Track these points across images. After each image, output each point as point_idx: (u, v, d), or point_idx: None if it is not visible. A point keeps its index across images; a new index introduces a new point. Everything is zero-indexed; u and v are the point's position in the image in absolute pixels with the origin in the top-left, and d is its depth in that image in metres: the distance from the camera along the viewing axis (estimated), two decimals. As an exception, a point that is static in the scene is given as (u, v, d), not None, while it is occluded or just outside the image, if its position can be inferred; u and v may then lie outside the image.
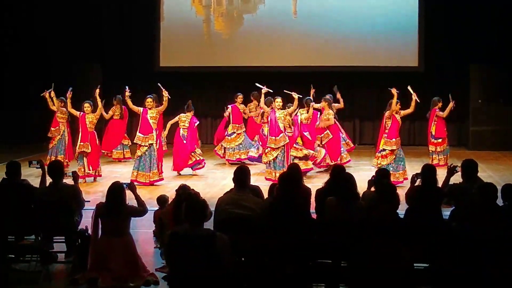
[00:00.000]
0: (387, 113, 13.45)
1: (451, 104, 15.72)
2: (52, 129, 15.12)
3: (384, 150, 13.40)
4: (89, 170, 13.79)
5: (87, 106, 14.12)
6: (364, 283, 5.97)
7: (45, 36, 19.54)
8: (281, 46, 19.61)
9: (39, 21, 19.63)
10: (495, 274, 6.24)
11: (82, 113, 14.00)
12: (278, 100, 13.98)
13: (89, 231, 7.86)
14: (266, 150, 13.90)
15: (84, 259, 7.52)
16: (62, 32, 19.49)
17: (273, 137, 13.71)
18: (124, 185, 7.54)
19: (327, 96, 15.18)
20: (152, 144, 13.52)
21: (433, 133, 15.78)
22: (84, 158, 13.75)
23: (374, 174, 8.36)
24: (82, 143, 13.78)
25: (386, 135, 13.40)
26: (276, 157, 13.66)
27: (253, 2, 19.85)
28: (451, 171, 8.25)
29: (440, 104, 15.70)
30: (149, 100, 13.83)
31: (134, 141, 13.78)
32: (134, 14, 20.18)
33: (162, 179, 13.64)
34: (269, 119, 14.02)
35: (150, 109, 13.68)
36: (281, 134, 13.70)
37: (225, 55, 19.93)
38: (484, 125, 18.96)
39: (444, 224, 7.18)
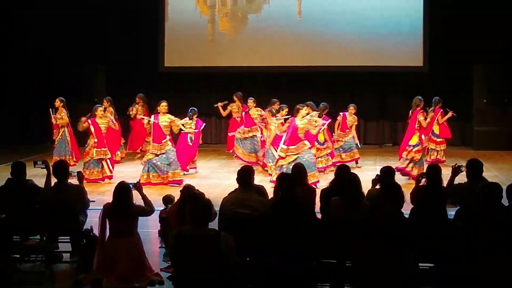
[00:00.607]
0: (419, 116, 13.85)
1: (450, 114, 15.78)
2: (55, 131, 15.06)
3: (418, 145, 13.83)
4: (110, 172, 13.79)
5: (101, 109, 14.11)
6: (368, 283, 5.97)
7: (49, 38, 19.57)
8: (286, 46, 19.60)
9: (42, 23, 19.66)
10: (499, 274, 6.24)
11: (91, 119, 13.91)
12: (305, 108, 13.41)
13: (94, 231, 7.87)
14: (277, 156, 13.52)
15: (89, 259, 7.52)
16: (66, 34, 19.52)
17: (285, 146, 13.21)
18: (131, 185, 7.54)
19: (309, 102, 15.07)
20: (169, 148, 13.51)
21: (437, 132, 15.78)
22: (103, 162, 13.75)
23: (378, 173, 8.33)
24: (99, 149, 13.74)
25: (419, 133, 13.90)
26: (295, 160, 12.97)
27: (258, 3, 19.85)
28: (456, 171, 8.24)
29: (440, 104, 15.69)
30: (164, 104, 13.66)
31: (150, 151, 13.62)
32: (139, 15, 20.20)
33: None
34: (288, 127, 13.47)
35: (163, 114, 13.60)
36: (300, 143, 13.20)
37: (230, 55, 19.93)
38: (489, 125, 18.92)
39: (449, 224, 7.18)
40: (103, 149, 13.76)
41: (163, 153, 13.50)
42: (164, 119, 13.60)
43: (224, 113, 17.14)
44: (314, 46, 19.47)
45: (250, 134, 15.72)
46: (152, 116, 13.67)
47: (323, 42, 19.43)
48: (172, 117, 13.81)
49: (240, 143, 15.84)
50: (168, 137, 13.62)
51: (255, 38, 19.81)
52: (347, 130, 15.60)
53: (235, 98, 16.87)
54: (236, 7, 19.98)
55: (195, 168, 15.24)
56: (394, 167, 13.56)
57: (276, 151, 13.75)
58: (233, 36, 20.09)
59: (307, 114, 13.42)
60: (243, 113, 16.24)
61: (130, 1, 20.14)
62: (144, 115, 17.07)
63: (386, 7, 19.21)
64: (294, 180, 7.33)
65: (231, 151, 16.66)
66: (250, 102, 15.98)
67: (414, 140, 13.87)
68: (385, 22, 19.18)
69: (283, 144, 13.34)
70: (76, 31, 19.59)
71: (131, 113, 17.11)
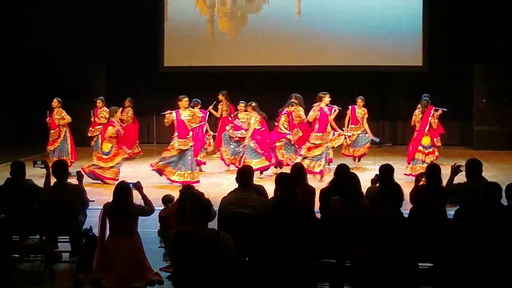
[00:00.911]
0: (431, 119, 14.23)
1: (440, 111, 15.81)
2: (52, 131, 14.99)
3: (431, 146, 14.20)
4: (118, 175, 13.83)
5: (119, 111, 14.21)
6: (368, 282, 5.97)
7: (49, 38, 19.56)
8: (285, 46, 19.61)
9: (42, 23, 19.65)
10: (499, 274, 6.24)
11: (110, 122, 13.94)
12: (328, 96, 14.25)
13: (94, 231, 7.87)
14: (308, 145, 14.08)
15: (89, 259, 7.52)
16: (66, 34, 19.52)
17: (320, 134, 14.01)
18: (131, 185, 7.54)
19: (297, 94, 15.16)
20: (191, 145, 13.50)
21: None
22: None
23: (377, 173, 8.32)
24: (120, 149, 13.89)
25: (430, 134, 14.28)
26: (323, 152, 13.99)
27: (257, 2, 19.86)
28: (455, 171, 8.23)
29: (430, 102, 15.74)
30: (186, 99, 13.55)
31: (176, 148, 13.51)
32: (138, 15, 20.20)
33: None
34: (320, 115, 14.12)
35: (184, 109, 13.53)
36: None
37: (229, 55, 19.94)
38: (488, 124, 18.96)
39: (449, 223, 7.18)
40: (122, 149, 13.87)
41: (187, 150, 13.47)
42: (186, 113, 13.55)
43: (217, 114, 16.89)
44: (314, 46, 19.48)
45: (237, 138, 15.47)
46: (174, 112, 13.58)
47: (323, 42, 19.45)
48: (193, 110, 13.83)
49: (227, 141, 15.62)
50: (191, 133, 13.58)
51: (255, 37, 19.82)
52: (359, 124, 15.68)
53: (220, 97, 16.64)
54: (236, 6, 19.98)
55: (204, 163, 15.27)
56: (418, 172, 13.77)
57: (256, 144, 14.28)
58: (232, 36, 20.09)
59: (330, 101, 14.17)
60: (232, 115, 16.02)
61: (130, 1, 20.15)
62: (132, 119, 17.13)
63: (386, 7, 19.23)
64: (293, 180, 7.32)
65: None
66: (241, 106, 15.43)
67: (426, 141, 14.12)
68: (384, 21, 19.21)
69: (317, 132, 14.03)
70: (76, 31, 19.60)
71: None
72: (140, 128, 18.24)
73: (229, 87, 19.42)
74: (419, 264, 6.44)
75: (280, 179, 7.24)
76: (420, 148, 14.07)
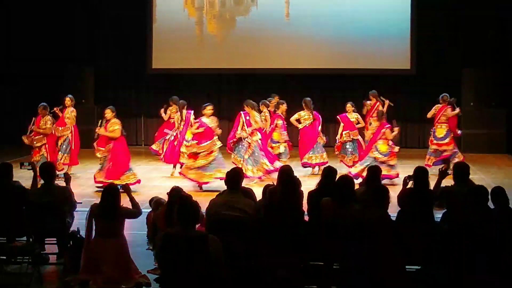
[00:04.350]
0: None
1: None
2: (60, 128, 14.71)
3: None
4: None
5: None
6: (356, 285, 5.98)
7: (36, 40, 19.50)
8: (274, 49, 19.60)
9: (30, 25, 19.60)
10: (485, 277, 6.26)
11: None
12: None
13: (81, 233, 7.85)
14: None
15: (76, 261, 7.50)
16: (53, 36, 19.46)
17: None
18: (119, 186, 7.52)
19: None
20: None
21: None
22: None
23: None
24: None
25: None
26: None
27: (246, 4, 19.84)
28: (442, 174, 8.26)
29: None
30: (210, 107, 13.65)
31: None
32: (126, 16, 20.15)
33: None
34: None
35: (208, 116, 13.61)
36: None
37: (218, 57, 19.90)
38: (476, 128, 18.99)
39: (436, 226, 7.20)
40: None
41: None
42: (211, 119, 13.68)
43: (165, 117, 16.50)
44: (302, 49, 19.48)
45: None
46: (199, 120, 13.65)
47: (311, 44, 19.45)
48: (215, 118, 13.90)
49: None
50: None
51: (243, 40, 19.80)
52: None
53: (171, 103, 16.25)
54: (224, 9, 19.97)
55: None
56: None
57: None
58: (221, 38, 20.08)
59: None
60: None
61: (119, 3, 20.10)
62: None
63: (374, 10, 19.25)
64: (296, 184, 7.34)
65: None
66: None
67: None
68: (373, 24, 19.22)
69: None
70: (65, 32, 19.55)
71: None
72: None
73: (218, 89, 19.47)
74: (407, 266, 6.46)
75: (288, 181, 7.24)
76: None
